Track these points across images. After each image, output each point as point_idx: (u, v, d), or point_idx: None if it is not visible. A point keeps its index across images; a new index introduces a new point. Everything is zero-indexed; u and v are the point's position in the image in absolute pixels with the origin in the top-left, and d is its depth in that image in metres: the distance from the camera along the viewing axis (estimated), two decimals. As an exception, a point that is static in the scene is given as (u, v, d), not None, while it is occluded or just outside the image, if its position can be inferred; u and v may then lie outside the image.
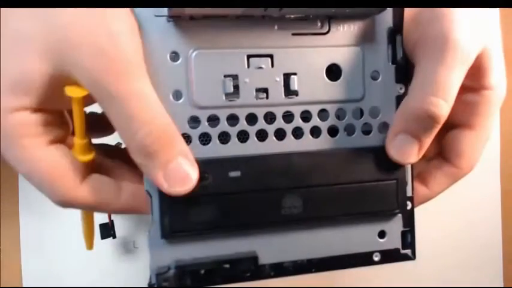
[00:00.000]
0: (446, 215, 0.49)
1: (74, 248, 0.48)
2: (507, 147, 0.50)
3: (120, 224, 0.49)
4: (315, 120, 0.28)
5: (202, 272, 0.26)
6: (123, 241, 0.50)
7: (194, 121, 0.26)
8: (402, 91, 0.29)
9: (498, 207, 0.51)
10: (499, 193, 0.51)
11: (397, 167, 0.28)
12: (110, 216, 0.47)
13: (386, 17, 0.28)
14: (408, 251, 0.30)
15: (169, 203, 0.25)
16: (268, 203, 0.27)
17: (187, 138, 0.26)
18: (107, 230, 0.47)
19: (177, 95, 0.26)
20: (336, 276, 0.46)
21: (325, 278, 0.44)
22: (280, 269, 0.27)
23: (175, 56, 0.26)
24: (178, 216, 0.25)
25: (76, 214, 0.47)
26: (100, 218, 0.46)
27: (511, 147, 0.50)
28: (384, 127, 0.29)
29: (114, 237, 0.47)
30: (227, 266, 0.26)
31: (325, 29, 0.28)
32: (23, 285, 0.47)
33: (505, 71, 0.29)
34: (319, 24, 0.28)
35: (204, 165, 0.26)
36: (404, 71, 0.29)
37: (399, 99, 0.29)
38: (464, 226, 0.51)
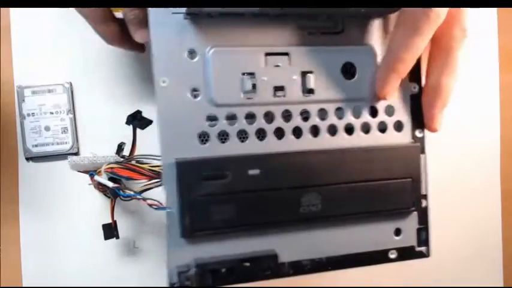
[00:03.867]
0: (446, 215, 0.50)
1: (74, 248, 0.47)
2: (507, 148, 0.50)
3: (122, 224, 0.48)
4: (332, 119, 0.28)
5: (223, 270, 0.26)
6: (124, 241, 0.49)
7: (212, 119, 0.26)
8: (416, 90, 0.29)
9: (498, 207, 0.51)
10: (499, 193, 0.51)
11: (413, 165, 0.29)
12: (112, 217, 0.46)
13: None
14: (423, 248, 0.30)
15: (189, 202, 0.25)
16: (287, 201, 0.27)
17: (204, 136, 0.26)
18: (110, 231, 0.46)
19: (195, 92, 0.26)
20: (335, 275, 0.46)
21: (325, 277, 0.44)
22: (299, 267, 0.27)
23: (192, 53, 0.26)
24: (198, 215, 0.25)
25: (75, 214, 0.46)
26: (102, 218, 0.45)
27: (511, 148, 0.50)
28: (399, 126, 0.29)
29: (117, 237, 0.46)
30: (247, 264, 0.26)
31: (340, 28, 0.28)
32: (23, 285, 0.46)
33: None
34: (334, 23, 0.28)
35: (223, 164, 0.26)
36: (418, 70, 0.29)
37: (413, 97, 0.29)
38: (464, 226, 0.51)
